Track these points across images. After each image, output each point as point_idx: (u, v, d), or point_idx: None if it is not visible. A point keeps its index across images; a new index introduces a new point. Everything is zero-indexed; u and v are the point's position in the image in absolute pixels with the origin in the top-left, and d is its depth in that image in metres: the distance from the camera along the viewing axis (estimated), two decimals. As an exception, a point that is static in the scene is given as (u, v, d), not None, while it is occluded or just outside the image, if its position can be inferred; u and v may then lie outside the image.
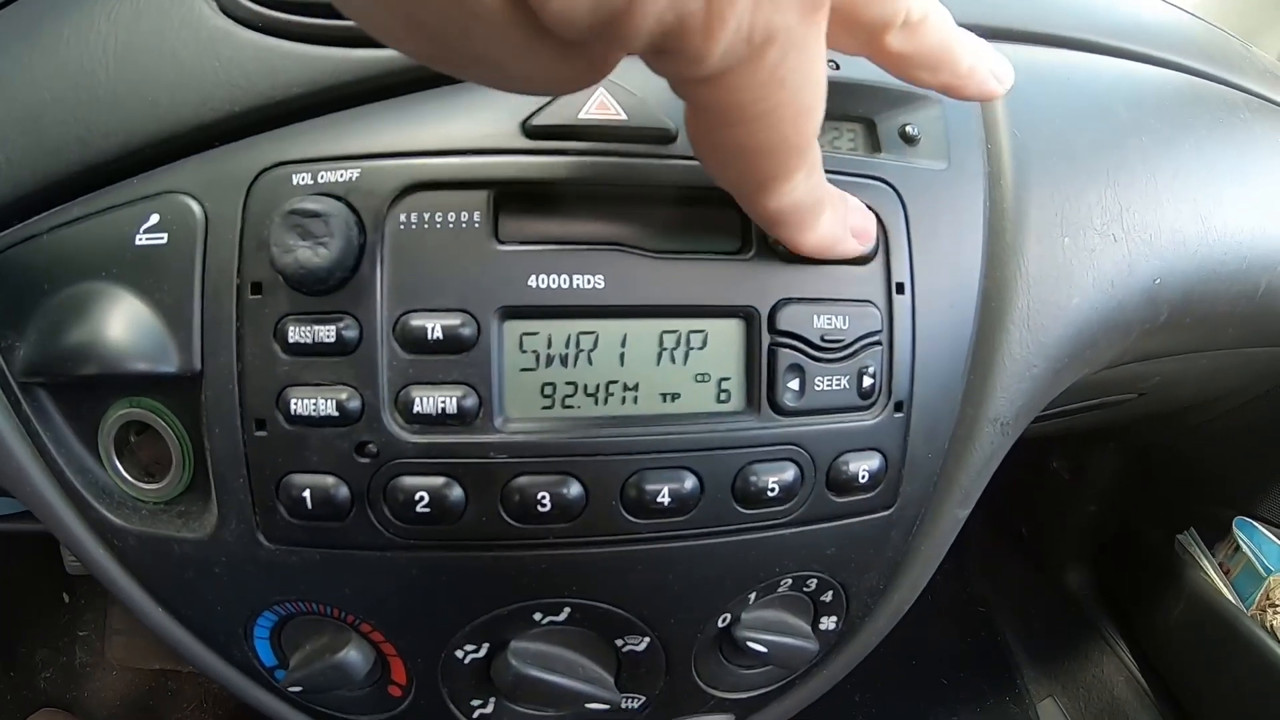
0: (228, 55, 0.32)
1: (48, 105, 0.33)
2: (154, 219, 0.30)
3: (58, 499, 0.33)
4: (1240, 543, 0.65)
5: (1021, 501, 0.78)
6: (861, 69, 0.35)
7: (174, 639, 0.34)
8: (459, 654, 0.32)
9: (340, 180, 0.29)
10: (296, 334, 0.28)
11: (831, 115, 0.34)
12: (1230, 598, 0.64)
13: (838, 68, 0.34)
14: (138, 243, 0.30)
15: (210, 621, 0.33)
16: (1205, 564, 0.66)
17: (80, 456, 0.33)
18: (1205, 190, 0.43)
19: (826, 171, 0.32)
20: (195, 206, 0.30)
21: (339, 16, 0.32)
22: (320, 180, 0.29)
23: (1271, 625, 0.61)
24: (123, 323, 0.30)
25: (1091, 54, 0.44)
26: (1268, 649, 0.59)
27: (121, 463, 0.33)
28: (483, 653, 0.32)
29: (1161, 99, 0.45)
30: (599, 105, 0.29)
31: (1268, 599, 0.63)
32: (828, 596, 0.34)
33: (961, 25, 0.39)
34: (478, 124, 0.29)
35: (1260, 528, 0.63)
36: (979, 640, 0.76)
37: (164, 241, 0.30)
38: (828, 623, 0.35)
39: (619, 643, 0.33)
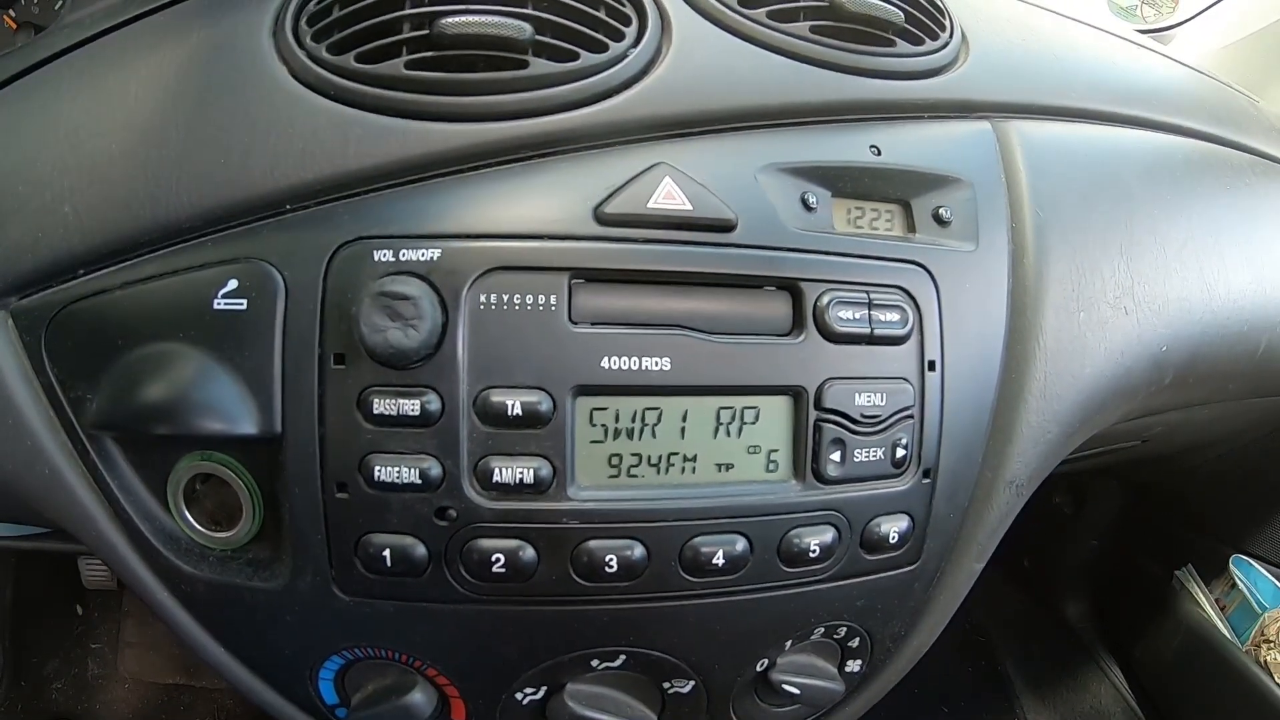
0: (301, 122, 0.37)
1: (116, 158, 0.37)
2: (233, 284, 0.35)
3: (124, 545, 0.37)
4: (1236, 580, 0.73)
5: (1023, 534, 0.85)
6: (900, 155, 0.40)
7: (235, 678, 0.39)
8: (519, 696, 0.37)
9: (422, 259, 0.33)
10: (381, 406, 0.33)
11: (872, 198, 0.40)
12: (1226, 633, 0.72)
13: (879, 153, 0.40)
14: (216, 307, 0.34)
15: (275, 664, 0.38)
16: (1202, 599, 0.74)
17: (147, 504, 0.38)
18: (1211, 257, 0.50)
19: (868, 256, 0.38)
20: (275, 274, 0.34)
21: (410, 90, 0.36)
22: (401, 258, 0.33)
23: (1265, 661, 0.69)
24: (200, 385, 0.34)
25: (1107, 125, 0.50)
26: (1262, 684, 0.67)
27: (190, 511, 0.38)
28: (540, 695, 0.37)
29: (1172, 167, 0.51)
30: (666, 194, 0.35)
31: (1262, 635, 0.71)
32: (855, 642, 0.41)
33: (992, 104, 0.45)
34: (553, 208, 0.34)
35: (1256, 565, 0.72)
36: (979, 669, 0.84)
37: (243, 307, 0.34)
38: (853, 665, 0.41)
39: (666, 685, 0.38)
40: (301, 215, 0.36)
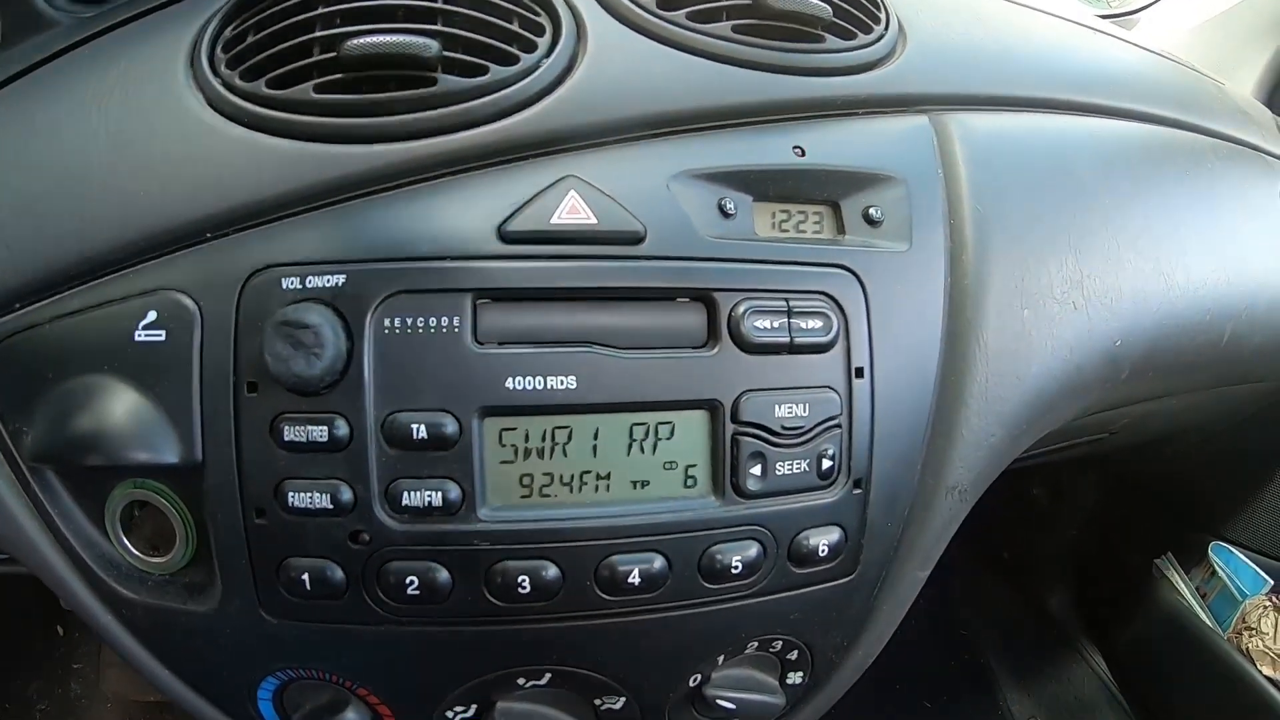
0: (215, 150, 0.35)
1: (44, 193, 0.36)
2: (152, 316, 0.34)
3: (68, 571, 0.37)
4: (1216, 567, 0.69)
5: (1003, 527, 0.82)
6: (826, 154, 0.38)
7: (181, 697, 0.38)
8: (450, 714, 0.36)
9: (327, 285, 0.32)
10: (291, 433, 0.31)
11: (797, 200, 0.38)
12: (1207, 621, 0.69)
13: (803, 154, 0.37)
14: (137, 339, 0.34)
15: (216, 685, 0.37)
16: (1182, 588, 0.71)
17: (88, 532, 0.37)
18: (1168, 247, 0.46)
19: (788, 262, 0.35)
20: (190, 305, 0.33)
21: (320, 114, 0.35)
22: (308, 285, 0.32)
23: (1247, 648, 0.66)
24: (125, 416, 0.34)
25: (1057, 113, 0.47)
26: (1244, 671, 0.63)
27: (128, 538, 0.37)
28: (471, 712, 0.36)
29: (1127, 155, 0.48)
30: (570, 209, 0.33)
31: (1244, 622, 0.67)
32: (793, 655, 0.39)
33: (930, 97, 0.42)
34: (456, 228, 0.33)
35: (1236, 552, 0.68)
36: (962, 663, 0.82)
37: (162, 339, 0.33)
38: (795, 678, 0.39)
39: (597, 702, 0.37)
40: (218, 244, 0.34)
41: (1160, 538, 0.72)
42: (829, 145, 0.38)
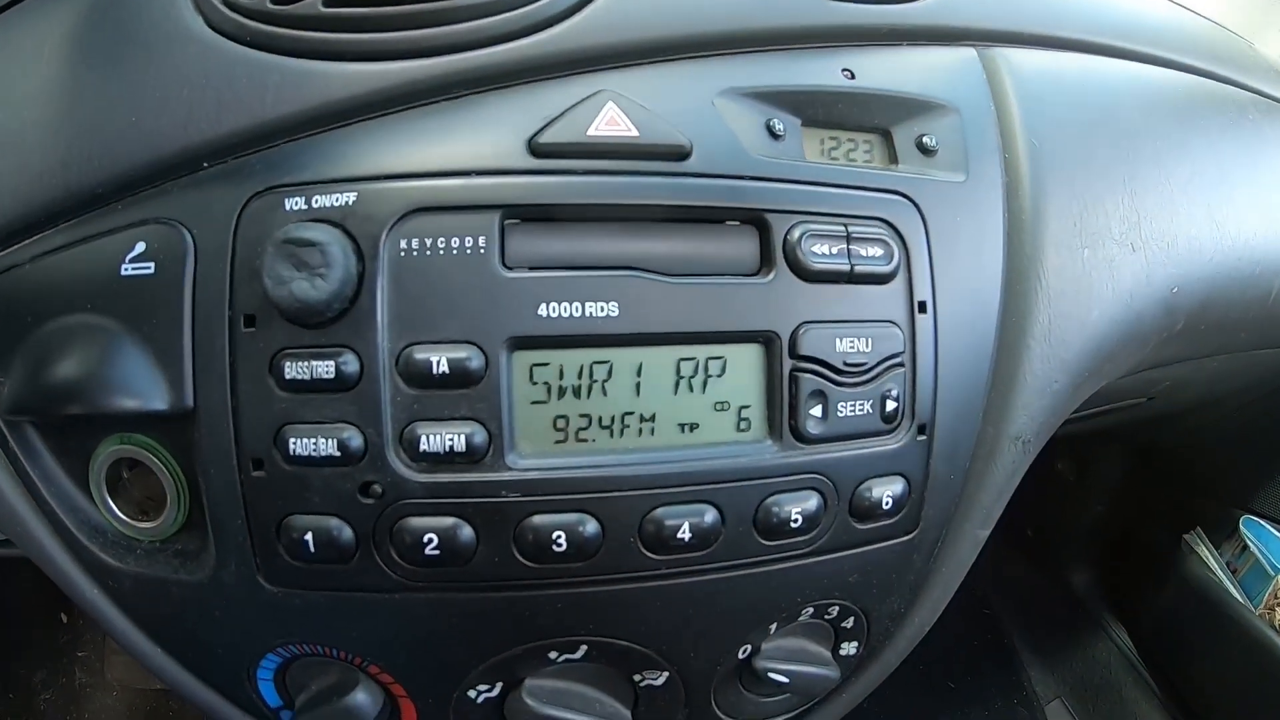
0: (215, 71, 0.30)
1: (29, 127, 0.31)
2: (140, 247, 0.29)
3: (49, 538, 0.31)
4: (1248, 542, 0.64)
5: (1027, 503, 0.77)
6: (876, 79, 0.33)
7: (174, 679, 0.33)
8: (471, 694, 0.30)
9: (336, 205, 0.27)
10: (293, 370, 0.26)
11: (846, 126, 0.33)
12: (1238, 597, 0.64)
13: (853, 77, 0.33)
14: (124, 273, 0.29)
15: (211, 663, 0.32)
16: (1212, 563, 0.66)
17: (71, 495, 0.32)
18: (1218, 193, 0.42)
19: (844, 185, 0.30)
20: (184, 234, 0.28)
21: (329, 29, 0.30)
22: (315, 205, 0.27)
23: (1279, 624, 0.61)
24: (110, 358, 0.29)
25: (1102, 57, 0.42)
26: (1276, 647, 0.58)
27: (115, 500, 0.31)
28: (496, 692, 0.31)
29: (1173, 101, 0.44)
30: (609, 121, 0.28)
31: (1276, 597, 0.62)
32: (849, 623, 0.33)
33: (977, 31, 0.38)
34: (481, 142, 0.28)
35: (1268, 526, 0.63)
36: (986, 642, 0.76)
37: (151, 271, 0.28)
38: (848, 648, 0.34)
39: (637, 677, 0.31)
40: (215, 171, 0.29)
41: (1188, 512, 0.67)
42: (880, 70, 0.34)
